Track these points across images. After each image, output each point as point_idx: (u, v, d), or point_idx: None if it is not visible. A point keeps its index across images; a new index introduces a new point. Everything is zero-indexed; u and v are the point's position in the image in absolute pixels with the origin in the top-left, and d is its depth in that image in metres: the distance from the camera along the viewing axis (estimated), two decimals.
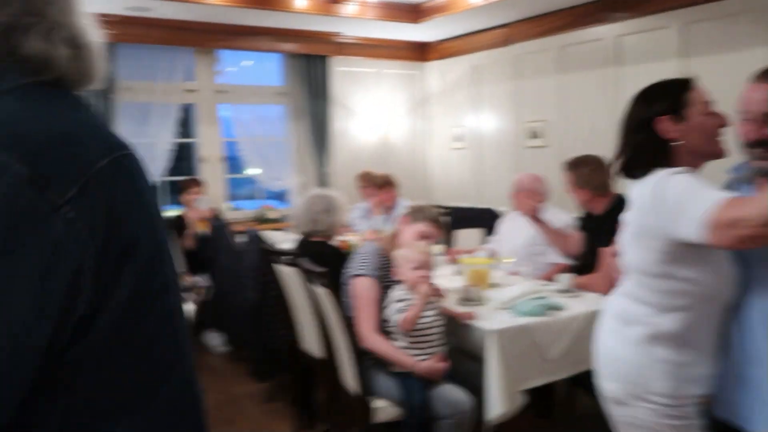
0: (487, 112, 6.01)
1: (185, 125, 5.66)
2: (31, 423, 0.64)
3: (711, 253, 1.49)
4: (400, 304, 2.56)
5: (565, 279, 3.05)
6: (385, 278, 2.70)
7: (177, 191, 5.00)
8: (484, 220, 4.74)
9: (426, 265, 2.60)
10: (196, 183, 4.96)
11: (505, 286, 3.07)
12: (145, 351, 0.69)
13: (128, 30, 4.90)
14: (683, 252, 1.48)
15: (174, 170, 5.52)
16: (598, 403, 1.80)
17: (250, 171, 5.81)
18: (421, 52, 6.49)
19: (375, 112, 6.26)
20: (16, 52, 0.67)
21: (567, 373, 2.67)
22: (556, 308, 2.71)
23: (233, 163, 5.99)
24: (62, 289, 0.60)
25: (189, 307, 2.27)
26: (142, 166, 0.72)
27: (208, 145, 5.68)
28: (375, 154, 6.24)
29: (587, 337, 2.43)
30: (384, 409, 2.60)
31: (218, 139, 5.74)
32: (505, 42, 5.70)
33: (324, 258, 2.99)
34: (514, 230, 3.74)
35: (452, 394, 2.49)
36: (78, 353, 0.64)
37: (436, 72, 6.51)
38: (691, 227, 1.38)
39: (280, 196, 6.50)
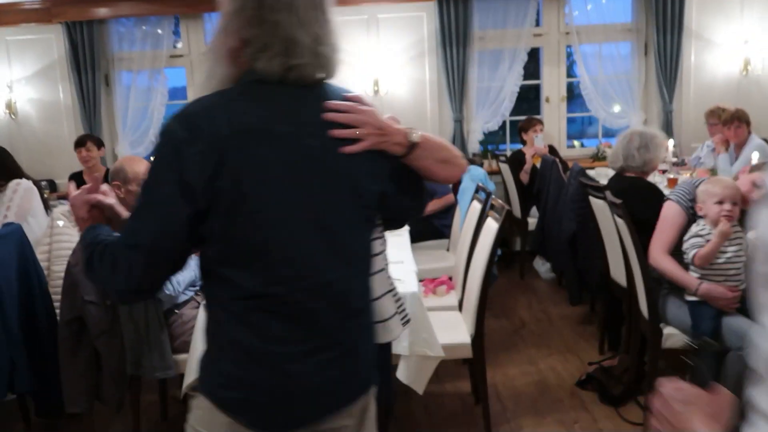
0: None
1: (531, 67, 6.04)
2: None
3: None
4: (698, 240, 2.59)
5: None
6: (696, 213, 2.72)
7: (518, 130, 5.48)
8: None
9: (730, 199, 2.55)
10: (536, 122, 5.36)
11: None
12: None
13: None
14: None
15: (518, 110, 6.01)
16: None
17: (593, 109, 5.92)
18: None
19: (737, 42, 5.66)
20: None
21: None
22: None
23: (577, 101, 6.18)
24: (186, 193, 1.12)
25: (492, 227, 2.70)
26: (255, 138, 1.15)
27: (551, 86, 5.99)
28: (734, 89, 5.69)
29: None
30: (674, 335, 2.71)
31: (562, 80, 5.99)
32: None
33: (636, 192, 3.13)
34: None
35: (745, 325, 2.46)
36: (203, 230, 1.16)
37: None
38: None
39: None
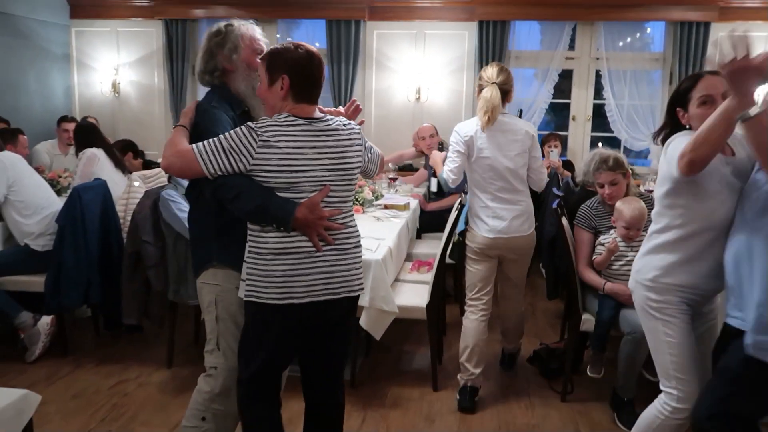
0: None
1: (564, 86, 6.61)
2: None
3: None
4: (601, 248, 3.31)
5: None
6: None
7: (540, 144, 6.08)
8: None
9: (634, 226, 3.19)
10: (552, 138, 5.95)
11: None
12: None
13: (519, 9, 6.13)
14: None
15: (548, 124, 6.60)
16: None
17: (615, 131, 6.42)
18: None
19: None
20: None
21: None
22: None
23: (601, 121, 6.68)
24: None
25: None
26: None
27: (579, 106, 6.54)
28: None
29: None
30: (589, 320, 3.35)
31: (589, 101, 6.52)
32: None
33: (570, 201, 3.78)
34: None
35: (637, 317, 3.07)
36: None
37: None
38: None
39: (640, 155, 6.91)
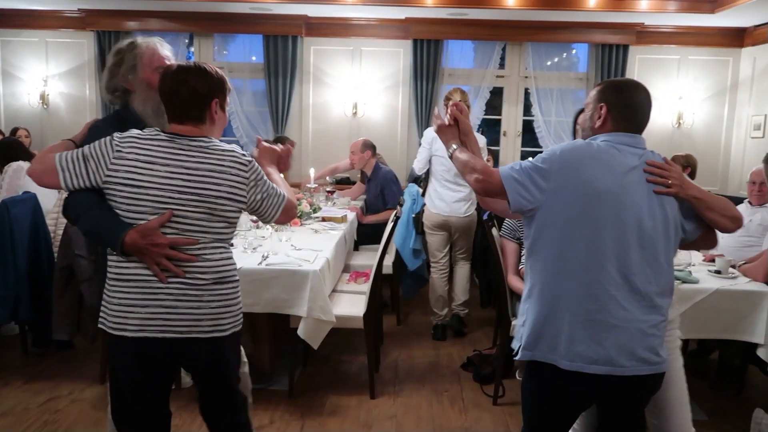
0: None
1: (495, 103, 6.88)
2: None
3: None
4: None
5: (723, 262, 3.36)
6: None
7: None
8: None
9: None
10: (487, 152, 6.16)
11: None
12: None
13: (452, 29, 6.35)
14: None
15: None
16: None
17: (543, 145, 6.73)
18: (734, 38, 6.33)
19: (673, 99, 6.45)
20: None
21: None
22: (688, 281, 3.16)
23: (531, 137, 6.99)
24: None
25: None
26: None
27: (509, 122, 6.82)
28: (667, 139, 6.46)
29: (705, 310, 2.96)
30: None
31: (519, 117, 6.81)
32: None
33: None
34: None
35: None
36: None
37: (749, 58, 6.28)
38: None
39: None
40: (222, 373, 2.02)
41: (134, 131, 1.92)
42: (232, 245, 2.05)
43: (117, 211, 1.87)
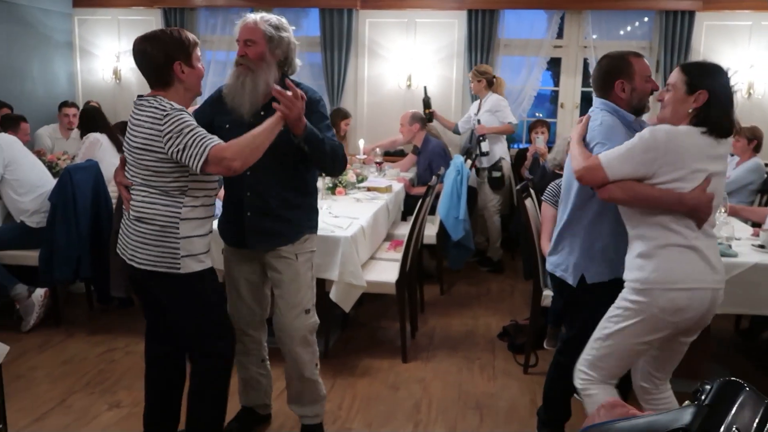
0: None
1: (552, 75, 6.73)
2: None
3: None
4: None
5: (766, 236, 3.23)
6: None
7: (528, 130, 6.22)
8: None
9: None
10: (539, 124, 6.08)
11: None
12: None
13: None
14: None
15: (535, 112, 6.72)
16: None
17: None
18: None
19: (743, 67, 6.09)
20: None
21: None
22: (726, 255, 3.06)
23: (588, 109, 6.78)
24: None
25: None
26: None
27: (567, 93, 6.66)
28: (738, 111, 6.12)
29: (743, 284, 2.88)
30: (549, 297, 3.51)
31: (577, 89, 6.64)
32: None
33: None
34: None
35: None
36: None
37: None
38: None
39: None
40: (153, 303, 2.45)
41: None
42: (183, 194, 2.25)
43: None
